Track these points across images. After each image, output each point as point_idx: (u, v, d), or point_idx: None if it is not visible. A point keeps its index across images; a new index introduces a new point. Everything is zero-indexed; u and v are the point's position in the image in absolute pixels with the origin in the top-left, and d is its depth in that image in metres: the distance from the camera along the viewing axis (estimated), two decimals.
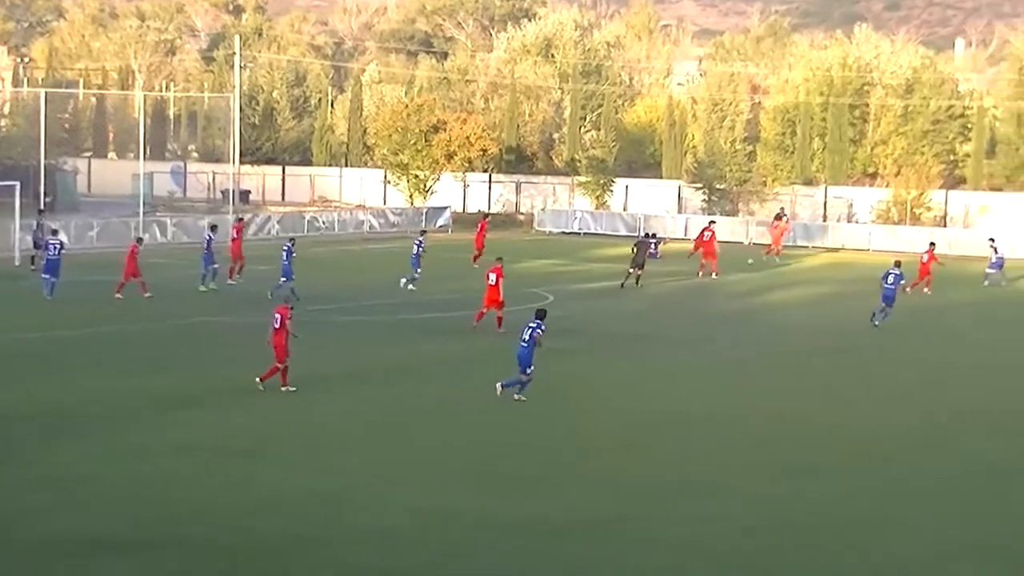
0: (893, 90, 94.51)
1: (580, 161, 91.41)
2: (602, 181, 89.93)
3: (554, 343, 31.15)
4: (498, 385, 29.35)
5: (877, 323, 43.29)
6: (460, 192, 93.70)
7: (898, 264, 44.71)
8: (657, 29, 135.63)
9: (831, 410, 29.76)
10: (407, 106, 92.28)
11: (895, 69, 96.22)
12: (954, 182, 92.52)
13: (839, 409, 29.92)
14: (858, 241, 78.73)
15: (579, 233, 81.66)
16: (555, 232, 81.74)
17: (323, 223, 76.74)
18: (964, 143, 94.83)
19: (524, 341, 29.03)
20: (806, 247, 76.01)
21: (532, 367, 29.01)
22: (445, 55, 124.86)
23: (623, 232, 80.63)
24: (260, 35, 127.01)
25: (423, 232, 52.30)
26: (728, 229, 76.15)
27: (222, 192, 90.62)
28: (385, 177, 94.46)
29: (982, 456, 25.73)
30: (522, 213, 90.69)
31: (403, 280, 49.57)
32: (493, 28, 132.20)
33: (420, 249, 49.77)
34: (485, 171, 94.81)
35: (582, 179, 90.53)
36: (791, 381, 33.85)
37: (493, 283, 38.88)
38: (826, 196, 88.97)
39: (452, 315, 42.72)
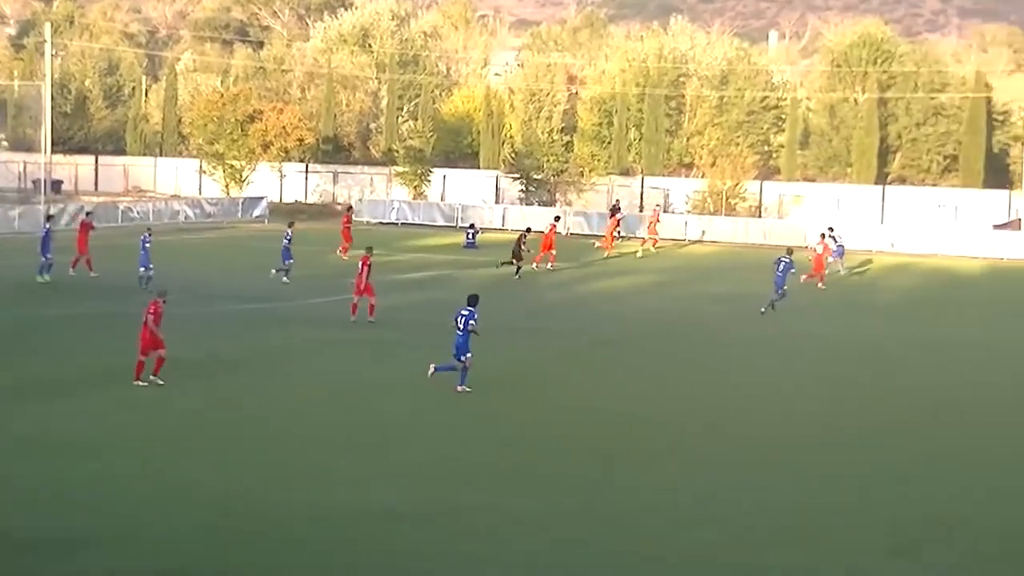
0: (708, 81, 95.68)
1: (398, 151, 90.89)
2: (420, 171, 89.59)
3: (371, 334, 30.58)
4: (431, 367, 29.12)
5: (763, 310, 44.14)
6: (277, 182, 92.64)
7: (790, 252, 45.62)
8: (474, 19, 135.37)
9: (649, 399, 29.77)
10: (222, 95, 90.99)
11: (710, 61, 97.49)
12: (768, 172, 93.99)
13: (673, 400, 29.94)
14: (674, 231, 79.43)
15: (397, 223, 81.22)
16: (373, 222, 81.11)
17: (137, 213, 75.08)
18: (778, 134, 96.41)
19: (459, 329, 28.63)
20: (625, 237, 76.50)
21: (470, 354, 28.61)
22: (261, 44, 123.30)
23: (440, 222, 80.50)
24: (72, 23, 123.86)
25: (291, 224, 51.77)
26: (546, 220, 76.20)
27: (33, 182, 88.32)
28: (200, 167, 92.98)
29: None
30: (339, 203, 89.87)
31: (273, 271, 49.57)
32: (309, 17, 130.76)
33: (288, 241, 49.70)
34: (302, 161, 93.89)
35: (399, 169, 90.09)
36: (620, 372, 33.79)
37: (362, 273, 38.88)
38: (643, 186, 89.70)
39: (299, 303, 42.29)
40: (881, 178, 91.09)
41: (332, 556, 17.92)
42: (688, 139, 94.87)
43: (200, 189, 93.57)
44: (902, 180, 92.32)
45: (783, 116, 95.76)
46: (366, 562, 17.95)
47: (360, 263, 39.34)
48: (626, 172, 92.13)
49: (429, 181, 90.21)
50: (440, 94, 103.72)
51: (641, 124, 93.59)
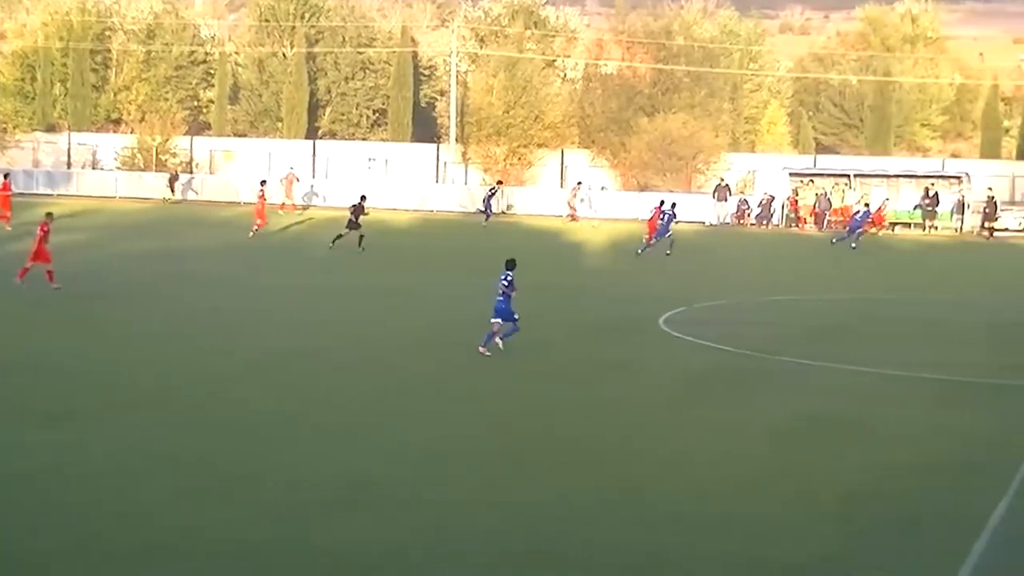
0: (135, 35, 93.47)
1: None
2: None
3: None
4: (498, 341, 28.10)
5: (639, 251, 52.70)
6: None
7: (673, 205, 54.49)
8: None
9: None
10: None
11: (136, 14, 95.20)
12: (199, 128, 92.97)
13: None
14: (104, 188, 77.20)
15: None
16: None
17: None
18: (208, 89, 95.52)
19: (500, 294, 27.99)
20: (50, 195, 73.67)
21: (516, 315, 28.14)
22: None
23: None
24: None
25: (49, 215, 46.20)
26: None
27: None
28: None
29: None
30: None
31: None
32: None
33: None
34: None
35: None
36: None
37: (40, 238, 37.00)
38: (70, 143, 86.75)
39: None
40: (312, 132, 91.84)
41: None
42: (116, 94, 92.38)
43: None
44: (333, 134, 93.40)
45: (212, 71, 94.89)
46: None
47: (39, 229, 37.32)
48: (52, 128, 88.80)
49: None
50: None
51: (66, 79, 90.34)
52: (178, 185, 78.02)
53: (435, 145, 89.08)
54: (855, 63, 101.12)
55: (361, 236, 51.22)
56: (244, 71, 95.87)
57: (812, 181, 76.49)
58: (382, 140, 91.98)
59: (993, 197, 71.65)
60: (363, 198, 53.89)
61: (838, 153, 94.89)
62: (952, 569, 14.99)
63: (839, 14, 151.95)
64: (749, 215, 75.73)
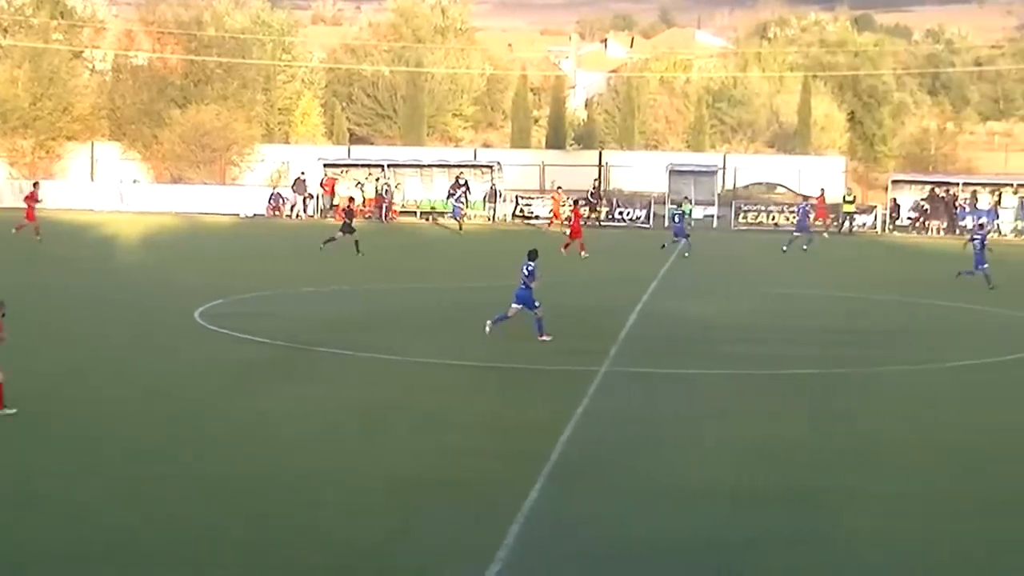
0: None
1: None
2: None
3: None
4: (543, 336, 30.01)
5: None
6: None
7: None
8: None
9: None
10: None
11: None
12: None
13: None
14: None
15: None
16: None
17: None
18: None
19: (523, 283, 30.12)
20: None
21: (538, 304, 30.15)
22: None
23: None
24: None
25: None
26: None
27: None
28: None
29: None
30: None
31: None
32: None
33: None
34: None
35: None
36: None
37: None
38: None
39: None
40: None
41: None
42: None
43: None
44: None
45: None
46: None
47: None
48: None
49: None
50: None
51: None
52: None
53: None
54: (387, 54, 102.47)
55: (341, 236, 52.14)
56: None
57: (346, 171, 76.78)
58: None
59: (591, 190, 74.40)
60: (351, 200, 56.63)
61: (372, 143, 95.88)
62: (492, 548, 15.35)
63: (371, 5, 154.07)
64: (284, 207, 75.48)
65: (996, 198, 72.41)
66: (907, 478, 19.31)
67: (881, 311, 39.23)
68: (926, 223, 71.94)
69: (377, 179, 74.86)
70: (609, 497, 17.95)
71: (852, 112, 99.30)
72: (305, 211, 75.23)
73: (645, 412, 23.60)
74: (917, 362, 29.45)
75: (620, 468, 19.53)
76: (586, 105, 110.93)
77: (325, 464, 19.26)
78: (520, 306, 30.27)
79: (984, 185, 74.80)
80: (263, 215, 74.80)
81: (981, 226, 48.79)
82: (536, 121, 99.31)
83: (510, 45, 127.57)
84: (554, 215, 70.19)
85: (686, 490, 18.34)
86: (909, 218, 72.91)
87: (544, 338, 29.99)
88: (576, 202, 65.50)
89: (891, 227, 72.54)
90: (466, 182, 74.14)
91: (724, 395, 25.42)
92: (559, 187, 74.82)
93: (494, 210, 75.07)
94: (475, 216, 74.07)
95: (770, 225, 71.96)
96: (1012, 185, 73.56)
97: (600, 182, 78.36)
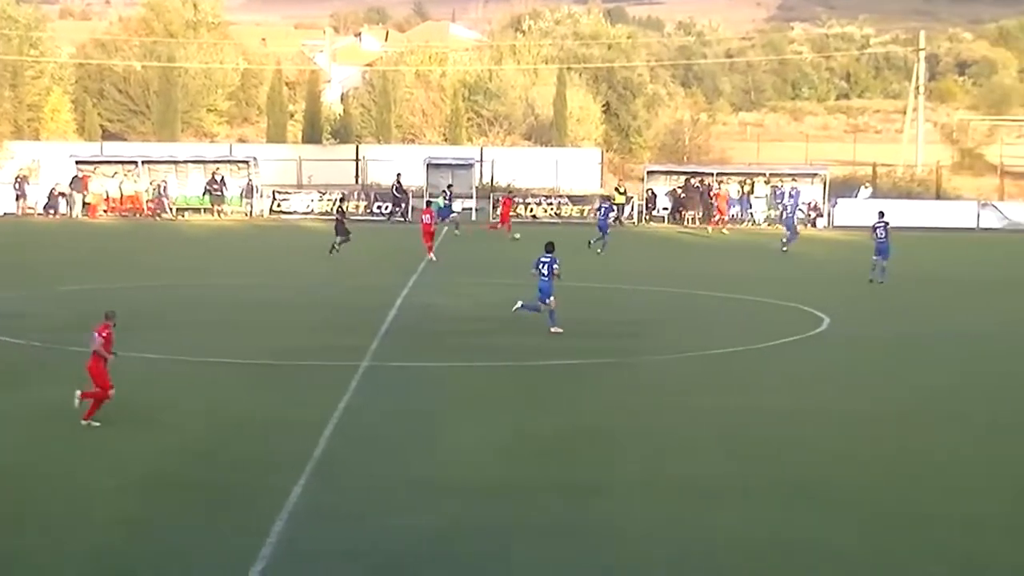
0: None
1: None
2: None
3: None
4: (518, 303, 31.88)
5: (600, 251, 52.67)
6: None
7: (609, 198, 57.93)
8: None
9: None
10: None
11: None
12: None
13: None
14: None
15: None
16: None
17: None
18: None
19: (544, 275, 30.95)
20: None
21: (552, 296, 30.89)
22: None
23: None
24: None
25: None
26: None
27: None
28: None
29: None
30: None
31: None
32: None
33: None
34: None
35: None
36: None
37: None
38: None
39: None
40: None
41: None
42: None
43: None
44: None
45: None
46: None
47: None
48: None
49: None
50: None
51: None
52: None
53: None
54: (139, 49, 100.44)
55: (344, 241, 50.99)
56: None
57: (96, 168, 74.90)
58: None
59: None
60: (343, 199, 58.09)
61: (126, 140, 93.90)
62: (256, 547, 15.33)
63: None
64: (36, 205, 73.41)
65: (749, 187, 74.20)
66: (661, 464, 19.80)
67: (642, 301, 39.95)
68: (682, 213, 73.27)
69: (151, 180, 73.48)
70: (372, 492, 18.03)
71: (607, 104, 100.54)
72: (59, 210, 73.18)
73: (406, 406, 23.66)
74: (679, 351, 30.08)
75: (382, 463, 19.64)
76: (342, 99, 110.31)
77: (61, 463, 19.09)
78: (552, 299, 31.24)
79: (737, 175, 76.59)
80: (14, 213, 72.62)
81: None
82: (292, 116, 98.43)
83: (264, 39, 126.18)
84: (502, 218, 67.49)
85: (443, 483, 18.53)
86: (665, 208, 74.21)
87: (555, 329, 31.08)
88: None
89: (647, 217, 73.75)
90: (222, 178, 73.12)
91: (482, 388, 25.65)
92: (511, 192, 74.70)
93: (251, 206, 74.13)
94: (232, 212, 73.11)
95: (528, 217, 72.47)
96: (764, 175, 75.49)
97: (401, 176, 75.77)
